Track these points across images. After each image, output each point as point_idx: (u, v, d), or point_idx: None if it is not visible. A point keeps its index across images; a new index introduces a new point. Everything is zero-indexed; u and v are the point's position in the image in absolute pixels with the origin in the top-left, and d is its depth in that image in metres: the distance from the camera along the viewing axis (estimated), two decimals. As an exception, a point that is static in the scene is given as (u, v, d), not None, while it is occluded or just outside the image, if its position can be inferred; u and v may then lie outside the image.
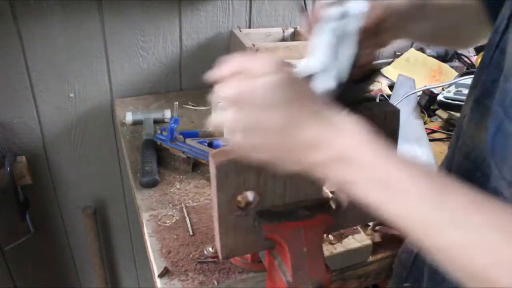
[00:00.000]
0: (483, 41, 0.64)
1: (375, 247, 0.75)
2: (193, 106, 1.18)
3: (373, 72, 0.57)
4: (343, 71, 0.49)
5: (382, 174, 0.37)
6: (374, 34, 0.55)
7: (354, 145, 0.39)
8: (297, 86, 0.41)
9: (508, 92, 0.40)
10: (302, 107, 0.40)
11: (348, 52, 0.49)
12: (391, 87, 1.27)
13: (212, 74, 0.43)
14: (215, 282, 0.66)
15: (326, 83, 0.49)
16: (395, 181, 0.37)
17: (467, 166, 0.50)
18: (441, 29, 0.66)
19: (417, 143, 1.01)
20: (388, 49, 1.51)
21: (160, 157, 0.94)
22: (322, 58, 0.49)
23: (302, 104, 0.40)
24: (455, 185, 0.36)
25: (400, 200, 0.36)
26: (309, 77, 0.49)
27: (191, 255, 0.70)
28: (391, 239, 0.75)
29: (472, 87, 0.52)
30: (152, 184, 0.87)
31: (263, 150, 0.42)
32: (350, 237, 0.74)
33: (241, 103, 0.40)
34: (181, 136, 0.94)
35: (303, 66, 0.50)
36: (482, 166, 0.47)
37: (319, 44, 0.50)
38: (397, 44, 1.12)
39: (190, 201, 0.84)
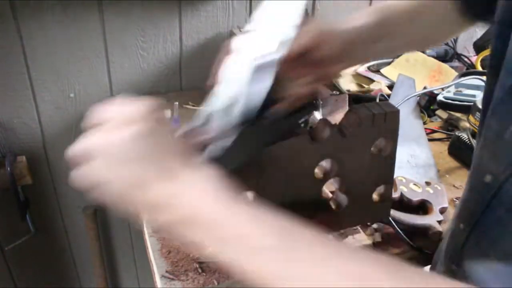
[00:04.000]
0: (456, 35, 0.64)
1: (375, 247, 0.75)
2: (193, 106, 1.19)
3: (306, 107, 0.54)
4: (253, 106, 0.47)
5: (230, 232, 0.36)
6: (309, 66, 0.52)
7: (201, 205, 0.37)
8: (157, 139, 0.39)
9: None
10: (156, 164, 0.38)
11: (262, 85, 0.46)
12: (391, 87, 1.27)
13: (86, 122, 0.42)
14: (215, 282, 0.66)
15: (228, 120, 0.46)
16: (246, 237, 0.36)
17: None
18: (406, 44, 0.64)
19: (416, 142, 1.01)
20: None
21: (160, 157, 0.94)
22: (229, 93, 0.47)
23: (157, 160, 0.38)
24: (306, 236, 0.37)
25: (252, 256, 0.36)
26: (208, 117, 0.47)
27: (191, 255, 0.70)
28: (391, 239, 0.75)
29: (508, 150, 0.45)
30: (152, 184, 0.86)
31: (119, 204, 0.41)
32: (350, 237, 0.74)
33: (99, 155, 0.39)
34: (181, 136, 0.94)
35: (211, 102, 0.48)
36: None
37: (229, 76, 0.48)
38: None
39: (190, 201, 0.83)
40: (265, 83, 0.46)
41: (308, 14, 0.50)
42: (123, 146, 0.38)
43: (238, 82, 0.46)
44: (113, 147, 0.38)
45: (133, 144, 0.38)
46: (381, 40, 0.59)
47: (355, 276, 0.33)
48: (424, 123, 1.14)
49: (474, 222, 0.50)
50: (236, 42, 0.49)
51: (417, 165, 0.95)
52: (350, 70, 1.39)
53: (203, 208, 0.37)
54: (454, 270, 0.53)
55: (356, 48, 0.55)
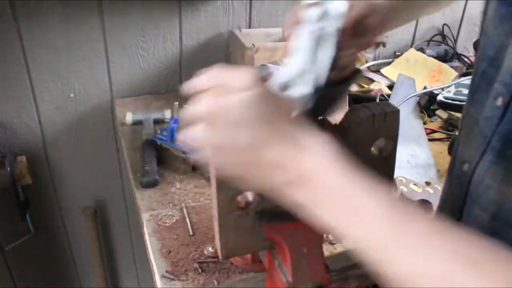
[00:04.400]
0: None
1: (375, 247, 0.75)
2: (193, 106, 1.18)
3: (355, 74, 0.56)
4: (322, 74, 0.49)
5: (346, 196, 0.37)
6: (356, 35, 0.54)
7: (318, 167, 0.38)
8: (270, 104, 0.40)
9: None
10: (272, 126, 0.39)
11: (326, 55, 0.48)
12: (391, 87, 1.27)
13: (187, 87, 0.42)
14: (215, 282, 0.66)
15: (303, 88, 0.48)
16: (360, 205, 0.36)
17: (496, 226, 0.46)
18: (423, 11, 0.68)
19: (416, 142, 1.01)
20: (387, 50, 1.51)
21: (160, 157, 0.94)
22: (300, 62, 0.49)
23: (272, 123, 0.39)
24: (418, 213, 0.36)
25: (363, 224, 0.36)
26: (286, 84, 0.49)
27: (191, 255, 0.70)
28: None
29: (483, 131, 0.46)
30: (152, 184, 0.87)
31: (232, 167, 0.41)
32: (350, 237, 0.74)
33: (211, 120, 0.40)
34: (181, 136, 0.94)
35: (281, 72, 0.49)
36: None
37: (298, 47, 0.49)
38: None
39: (190, 201, 0.84)
40: (329, 53, 0.48)
41: None
42: (241, 110, 0.39)
43: (306, 52, 0.48)
44: (230, 111, 0.39)
45: (250, 108, 0.39)
46: (407, 7, 0.62)
47: (465, 258, 0.32)
48: (424, 123, 1.14)
49: (456, 220, 0.51)
50: (304, 13, 0.50)
51: (417, 165, 0.95)
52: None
53: (321, 171, 0.38)
54: None
55: (401, 11, 0.58)
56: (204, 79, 0.41)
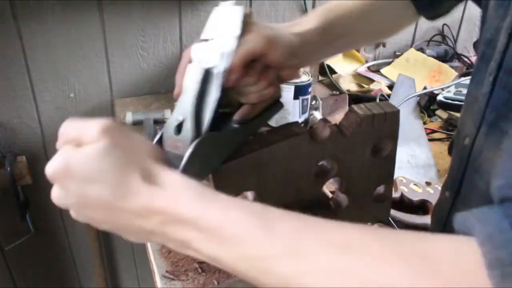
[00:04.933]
0: (408, 26, 0.68)
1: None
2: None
3: (272, 106, 0.56)
4: (206, 117, 0.48)
5: (209, 225, 0.36)
6: (266, 70, 0.52)
7: (177, 204, 0.36)
8: (122, 151, 0.38)
9: None
10: (124, 175, 0.37)
11: (212, 97, 0.48)
12: (391, 87, 1.27)
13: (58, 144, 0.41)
14: (215, 282, 0.66)
15: (189, 130, 0.48)
16: (223, 229, 0.35)
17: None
18: (356, 40, 0.67)
19: (416, 142, 1.01)
20: (387, 50, 1.51)
21: (160, 157, 0.94)
22: (186, 104, 0.48)
23: (125, 171, 0.37)
24: (282, 214, 0.36)
25: (233, 246, 0.35)
26: (178, 126, 0.49)
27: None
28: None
29: (479, 107, 0.48)
30: (152, 184, 0.86)
31: (100, 223, 0.40)
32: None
33: (61, 179, 0.38)
34: (181, 136, 0.94)
35: (172, 114, 0.50)
36: None
37: (186, 87, 0.49)
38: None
39: (190, 201, 0.83)
40: (213, 96, 0.48)
41: (247, 21, 0.51)
42: (90, 163, 0.37)
43: (188, 96, 0.48)
44: (79, 166, 0.37)
45: (100, 160, 0.37)
46: (334, 40, 0.60)
47: (339, 244, 0.33)
48: (424, 123, 1.14)
49: (456, 189, 0.52)
50: (193, 51, 0.50)
51: (417, 165, 0.95)
52: (350, 70, 1.39)
53: (181, 206, 0.36)
54: None
55: (308, 49, 0.56)
56: (60, 135, 0.40)
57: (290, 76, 0.55)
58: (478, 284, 0.27)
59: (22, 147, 1.19)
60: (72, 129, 0.40)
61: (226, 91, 0.49)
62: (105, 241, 1.47)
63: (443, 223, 0.55)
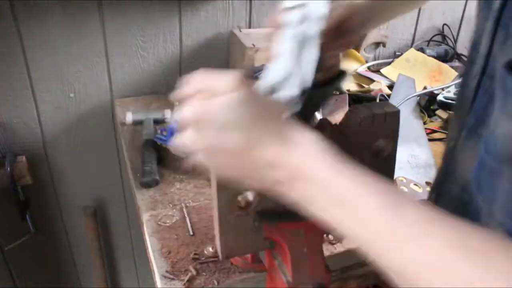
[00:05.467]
0: None
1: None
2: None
3: (340, 75, 0.57)
4: (307, 77, 0.49)
5: (338, 190, 0.37)
6: (339, 35, 0.54)
7: (310, 162, 0.38)
8: (257, 104, 0.41)
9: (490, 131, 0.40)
10: (260, 126, 0.39)
11: (310, 58, 0.49)
12: (391, 87, 1.27)
13: (175, 94, 0.42)
14: (215, 282, 0.66)
15: (290, 91, 0.48)
16: (352, 197, 0.36)
17: (464, 197, 0.48)
18: (398, 11, 0.69)
19: (416, 142, 1.01)
20: (387, 50, 1.51)
21: (160, 157, 0.94)
22: (285, 65, 0.49)
23: (261, 122, 0.40)
24: (412, 200, 0.35)
25: (357, 216, 0.36)
26: (273, 87, 0.49)
27: (191, 255, 0.70)
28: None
29: (464, 110, 0.49)
30: (152, 184, 0.87)
31: (226, 169, 0.42)
32: (350, 237, 0.74)
33: (200, 124, 0.40)
34: (181, 136, 0.94)
35: (267, 75, 0.50)
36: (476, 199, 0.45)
37: (281, 50, 0.49)
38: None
39: (190, 201, 0.84)
40: (313, 55, 0.49)
41: None
42: (228, 111, 0.39)
43: (290, 56, 0.48)
44: (218, 113, 0.39)
45: (237, 109, 0.39)
46: (384, 7, 0.63)
47: (460, 246, 0.31)
48: (424, 123, 1.14)
49: (436, 191, 0.53)
50: (286, 16, 0.50)
51: (418, 165, 0.95)
52: (350, 70, 1.39)
53: (312, 166, 0.38)
54: None
55: (378, 12, 0.60)
56: (189, 85, 0.42)
57: (355, 42, 0.60)
58: None
59: (22, 147, 1.19)
60: (205, 79, 0.41)
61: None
62: (105, 241, 1.47)
63: None
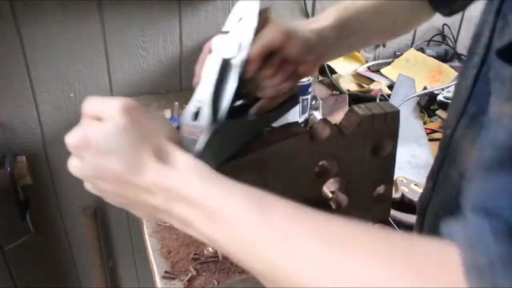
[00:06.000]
0: (424, 22, 0.68)
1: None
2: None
3: (288, 102, 0.57)
4: (223, 106, 0.50)
5: (210, 207, 0.37)
6: (281, 66, 0.53)
7: (186, 183, 0.38)
8: (139, 130, 0.40)
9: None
10: (140, 151, 0.39)
11: (230, 87, 0.50)
12: (391, 87, 1.27)
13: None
14: (215, 282, 0.66)
15: (206, 116, 0.49)
16: (222, 212, 0.36)
17: (462, 184, 0.49)
18: (371, 37, 0.67)
19: (417, 142, 1.01)
20: (387, 50, 1.51)
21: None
22: (204, 92, 0.50)
23: (141, 148, 0.39)
24: (278, 201, 0.36)
25: (226, 228, 0.36)
26: (196, 113, 0.50)
27: (191, 255, 0.70)
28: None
29: (462, 99, 0.50)
30: (152, 184, 0.86)
31: (111, 197, 0.42)
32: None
33: (80, 152, 0.41)
34: (181, 136, 0.94)
35: (191, 101, 0.51)
36: None
37: (205, 76, 0.51)
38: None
39: (190, 201, 0.83)
40: (231, 85, 0.50)
41: (266, 15, 0.52)
42: (108, 138, 0.39)
43: (206, 84, 0.50)
44: (98, 140, 0.39)
45: (117, 135, 0.39)
46: (350, 36, 0.61)
47: (329, 236, 0.33)
48: (424, 123, 1.14)
49: (434, 179, 0.53)
50: (214, 42, 0.51)
51: (418, 165, 0.95)
52: (350, 70, 1.39)
53: (185, 187, 0.38)
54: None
55: (324, 46, 0.57)
56: (83, 109, 0.42)
57: (306, 72, 0.57)
58: (455, 284, 0.28)
59: (22, 147, 1.19)
60: (94, 105, 0.42)
61: (243, 83, 0.50)
62: (105, 241, 1.47)
63: (423, 214, 0.55)
